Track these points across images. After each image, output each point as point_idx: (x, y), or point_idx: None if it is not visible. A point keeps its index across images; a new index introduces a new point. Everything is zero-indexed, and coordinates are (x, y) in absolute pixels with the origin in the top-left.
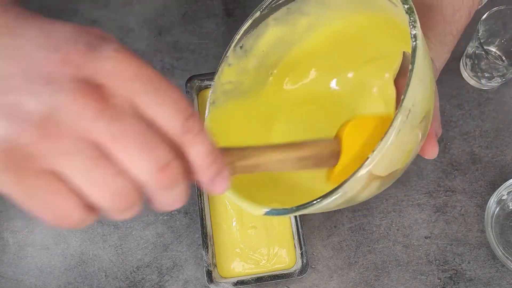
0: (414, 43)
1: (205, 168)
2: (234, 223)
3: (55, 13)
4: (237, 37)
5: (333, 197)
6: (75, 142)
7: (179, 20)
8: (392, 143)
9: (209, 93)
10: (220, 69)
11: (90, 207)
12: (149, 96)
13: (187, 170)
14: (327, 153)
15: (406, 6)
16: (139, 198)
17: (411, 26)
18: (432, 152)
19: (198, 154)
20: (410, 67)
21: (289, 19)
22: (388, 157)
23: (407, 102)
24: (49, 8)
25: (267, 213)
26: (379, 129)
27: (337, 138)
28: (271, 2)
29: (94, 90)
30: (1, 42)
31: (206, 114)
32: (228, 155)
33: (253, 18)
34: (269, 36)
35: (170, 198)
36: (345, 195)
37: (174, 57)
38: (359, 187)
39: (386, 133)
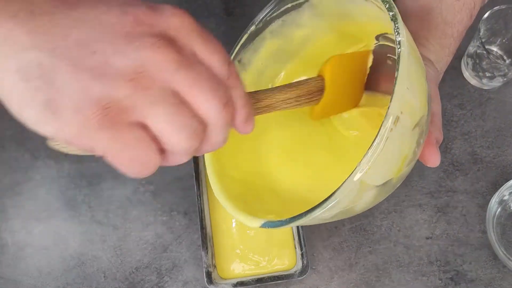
0: (399, 49)
1: (242, 108)
2: (233, 224)
3: None
4: (234, 51)
5: (326, 207)
6: (160, 92)
7: None
8: (382, 151)
9: None
10: None
11: (163, 151)
12: (205, 46)
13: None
14: (315, 89)
15: (391, 14)
16: (203, 138)
17: (396, 33)
18: (433, 160)
19: (238, 95)
20: (396, 74)
21: (285, 31)
22: (379, 165)
23: (394, 110)
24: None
25: (262, 226)
26: (358, 64)
27: (321, 76)
28: (265, 15)
29: (170, 43)
30: (71, 13)
31: None
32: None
33: (249, 32)
34: (266, 49)
35: (223, 137)
36: (338, 205)
37: None
38: (352, 196)
39: (373, 141)
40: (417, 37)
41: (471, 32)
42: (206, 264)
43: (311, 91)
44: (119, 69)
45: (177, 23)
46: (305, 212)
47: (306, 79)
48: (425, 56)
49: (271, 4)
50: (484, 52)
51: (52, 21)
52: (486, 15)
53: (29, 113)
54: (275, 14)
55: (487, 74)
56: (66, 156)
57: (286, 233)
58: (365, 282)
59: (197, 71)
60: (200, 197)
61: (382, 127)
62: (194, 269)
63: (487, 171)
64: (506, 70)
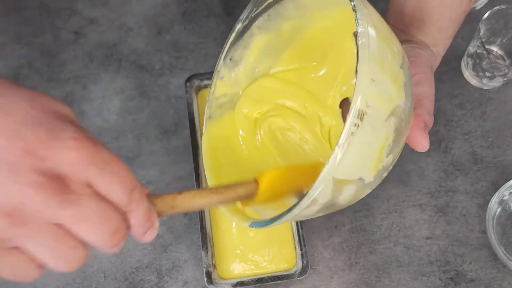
0: (359, 41)
1: (141, 225)
2: (234, 224)
3: (53, 12)
4: (225, 50)
5: (303, 206)
6: (40, 227)
7: (179, 19)
8: (350, 147)
9: (205, 108)
10: (213, 83)
11: (43, 266)
12: (102, 178)
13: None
14: (244, 195)
15: (352, 3)
16: (87, 256)
17: (357, 24)
18: (421, 144)
19: (137, 217)
20: (356, 66)
21: (272, 25)
22: (349, 161)
23: (357, 103)
24: (47, 7)
25: (250, 225)
26: (301, 175)
27: (256, 182)
28: (250, 12)
29: (57, 182)
30: None
31: (204, 130)
32: (161, 204)
33: (236, 30)
34: (256, 45)
35: (117, 248)
36: (317, 202)
37: (173, 56)
38: (328, 193)
39: (340, 136)
40: (413, 20)
41: (471, 32)
42: (206, 264)
43: (238, 197)
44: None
45: (73, 157)
46: (285, 212)
47: (237, 185)
48: (420, 39)
49: (253, 2)
50: (484, 52)
51: None
52: (486, 15)
53: None
54: (259, 10)
55: (487, 74)
56: None
57: (286, 233)
58: (365, 282)
59: (84, 206)
60: None
61: (346, 123)
62: (194, 269)
63: (487, 171)
64: (506, 70)
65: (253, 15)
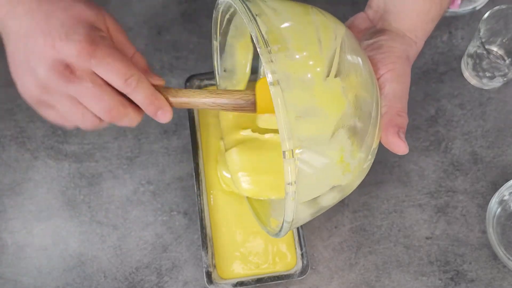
0: (272, 89)
1: (146, 106)
2: (234, 224)
3: None
4: (215, 66)
5: (287, 230)
6: (59, 96)
7: (179, 19)
8: (300, 181)
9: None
10: None
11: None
12: (100, 68)
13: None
14: (243, 103)
15: (258, 49)
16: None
17: (265, 71)
18: (397, 149)
19: (138, 100)
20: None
21: (243, 31)
22: (306, 187)
23: (286, 147)
24: None
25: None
26: None
27: (253, 90)
28: (217, 29)
29: (65, 68)
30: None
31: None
32: (166, 93)
33: (214, 48)
34: (240, 51)
35: (125, 123)
36: (298, 220)
37: (173, 56)
38: (305, 210)
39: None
40: (392, 5)
41: (471, 32)
42: (206, 264)
43: (237, 103)
44: (37, 77)
45: (74, 53)
46: (279, 230)
47: (232, 91)
48: (395, 27)
49: (214, 22)
50: (484, 52)
51: (21, 29)
52: (486, 15)
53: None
54: (224, 25)
55: (487, 74)
56: (66, 156)
57: (287, 233)
58: (365, 282)
59: (82, 85)
60: (200, 197)
61: (284, 164)
62: (194, 269)
63: (487, 171)
64: (506, 70)
65: (221, 31)
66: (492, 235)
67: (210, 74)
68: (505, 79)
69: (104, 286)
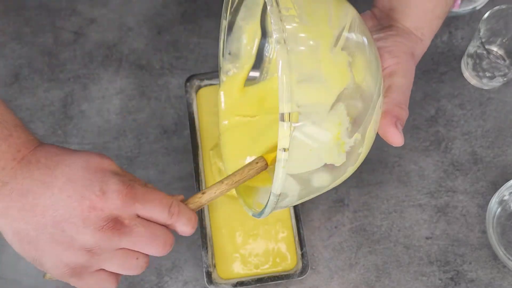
0: (276, 45)
1: (188, 228)
2: (233, 224)
3: (53, 12)
4: (221, 47)
5: (272, 204)
6: (110, 253)
7: (179, 19)
8: (294, 146)
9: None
10: (220, 80)
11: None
12: (144, 208)
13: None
14: (255, 173)
15: (269, 7)
16: (147, 261)
17: (273, 29)
18: (392, 140)
19: (182, 225)
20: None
21: (253, 13)
22: (299, 156)
23: (283, 110)
24: (47, 7)
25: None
26: None
27: (262, 157)
28: (228, 8)
29: (114, 223)
30: (47, 193)
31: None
32: (192, 205)
33: (223, 27)
34: (248, 35)
35: (169, 251)
36: (287, 195)
37: (173, 56)
38: (295, 186)
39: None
40: (391, 2)
41: (471, 32)
42: (206, 264)
43: (251, 175)
44: (81, 244)
45: (119, 203)
46: (265, 205)
47: (246, 168)
48: (402, 24)
49: (225, 1)
50: (484, 52)
51: (35, 200)
52: (486, 15)
53: (25, 259)
54: (235, 4)
55: (487, 74)
56: None
57: (286, 233)
58: (365, 282)
59: (135, 233)
60: None
61: (280, 127)
62: (194, 269)
63: (487, 171)
64: (506, 70)
65: (232, 10)
66: (492, 235)
67: (210, 74)
68: (505, 79)
69: None
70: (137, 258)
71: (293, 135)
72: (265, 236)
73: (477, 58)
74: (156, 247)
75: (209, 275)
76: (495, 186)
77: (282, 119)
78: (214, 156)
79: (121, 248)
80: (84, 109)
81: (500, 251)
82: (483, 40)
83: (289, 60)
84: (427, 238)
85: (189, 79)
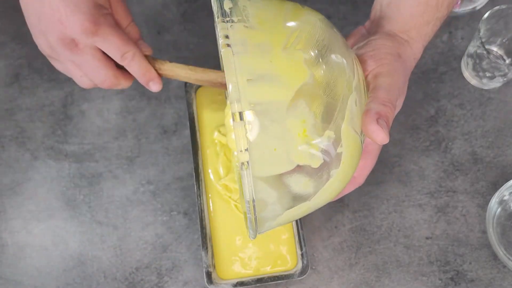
0: (221, 50)
1: (139, 77)
2: (233, 224)
3: None
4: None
5: (250, 211)
6: (65, 59)
7: (179, 19)
8: (253, 148)
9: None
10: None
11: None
12: (102, 45)
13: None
14: (217, 82)
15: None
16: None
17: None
18: (375, 137)
19: (133, 71)
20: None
21: None
22: (262, 158)
23: (234, 109)
24: None
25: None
26: None
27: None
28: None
29: (70, 41)
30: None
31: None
32: (155, 63)
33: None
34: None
35: (117, 88)
36: (266, 202)
37: (173, 56)
38: (269, 190)
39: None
40: (388, 9)
41: (471, 32)
42: (206, 264)
43: (213, 82)
44: (47, 39)
45: (78, 31)
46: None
47: (211, 72)
48: (387, 30)
49: None
50: (484, 52)
51: None
52: (486, 15)
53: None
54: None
55: (487, 74)
56: (66, 156)
57: (286, 234)
58: (365, 282)
59: (83, 58)
60: (200, 197)
61: (234, 128)
62: (194, 269)
63: (487, 171)
64: (506, 70)
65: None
66: (492, 235)
67: None
68: (505, 79)
69: (104, 286)
70: (81, 76)
71: (252, 134)
72: (265, 236)
73: (477, 58)
74: (95, 78)
75: (209, 275)
76: (495, 186)
77: (235, 119)
78: (220, 135)
79: (73, 61)
80: (84, 109)
81: (500, 251)
82: (483, 40)
83: (234, 62)
84: (427, 238)
85: None
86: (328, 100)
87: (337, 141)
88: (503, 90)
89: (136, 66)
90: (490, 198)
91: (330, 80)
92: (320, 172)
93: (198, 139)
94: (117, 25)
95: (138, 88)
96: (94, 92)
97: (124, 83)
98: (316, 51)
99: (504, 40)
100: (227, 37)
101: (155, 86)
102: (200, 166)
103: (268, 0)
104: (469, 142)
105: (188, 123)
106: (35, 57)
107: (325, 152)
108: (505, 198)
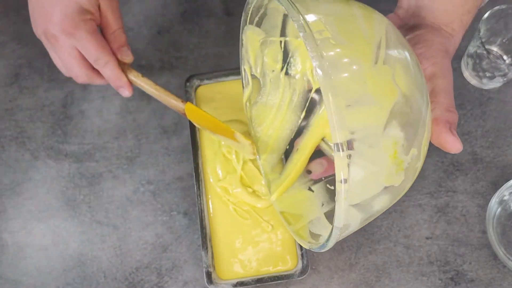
0: (317, 73)
1: (110, 82)
2: (233, 224)
3: None
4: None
5: (335, 237)
6: (51, 48)
7: (179, 19)
8: (352, 177)
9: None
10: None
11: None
12: (79, 47)
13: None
14: (176, 108)
15: (301, 34)
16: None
17: (310, 55)
18: (450, 145)
19: (105, 76)
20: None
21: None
22: (357, 186)
23: (337, 139)
24: None
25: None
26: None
27: (184, 102)
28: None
29: (51, 35)
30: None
31: None
32: (129, 73)
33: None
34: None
35: (96, 83)
36: (349, 226)
37: (173, 56)
38: (356, 215)
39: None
40: (417, 0)
41: (471, 32)
42: (206, 264)
43: (172, 107)
44: (36, 28)
45: (59, 30)
46: (327, 239)
47: (171, 97)
48: (430, 22)
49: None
50: (484, 52)
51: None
52: (486, 15)
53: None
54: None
55: (487, 74)
56: (66, 156)
57: (287, 234)
58: (365, 282)
59: (60, 52)
60: (200, 197)
61: (335, 159)
62: (194, 269)
63: (487, 171)
64: (506, 70)
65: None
66: (492, 235)
67: (210, 74)
68: (505, 79)
69: (104, 286)
70: (60, 66)
71: (350, 164)
72: (265, 236)
73: (477, 58)
74: (71, 73)
75: (209, 275)
76: (495, 186)
77: (338, 149)
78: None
79: (55, 53)
80: (84, 109)
81: (500, 251)
82: (483, 40)
83: (334, 87)
84: (427, 238)
85: (189, 79)
86: (414, 117)
87: (418, 158)
88: (503, 90)
89: (108, 72)
90: (490, 198)
91: (411, 93)
92: (399, 188)
93: (198, 139)
94: (95, 32)
95: (138, 88)
96: (94, 92)
97: (99, 82)
98: (398, 64)
99: (504, 40)
100: (321, 57)
101: (124, 93)
102: (200, 166)
103: (334, 3)
104: (469, 142)
105: (188, 123)
106: (35, 57)
107: (407, 170)
108: (505, 198)
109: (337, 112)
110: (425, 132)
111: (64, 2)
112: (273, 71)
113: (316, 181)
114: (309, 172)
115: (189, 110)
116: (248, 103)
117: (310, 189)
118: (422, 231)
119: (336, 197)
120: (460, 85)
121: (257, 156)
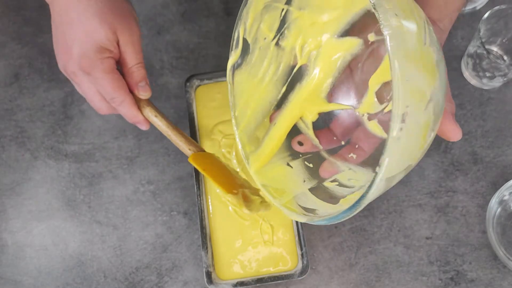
0: (389, 45)
1: (127, 119)
2: (233, 224)
3: None
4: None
5: (361, 206)
6: (76, 84)
7: (179, 19)
8: (397, 150)
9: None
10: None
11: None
12: (95, 85)
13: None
14: (184, 150)
15: (372, 2)
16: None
17: (381, 25)
18: (452, 133)
19: (122, 113)
20: (390, 73)
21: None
22: (396, 161)
23: (397, 110)
24: (47, 7)
25: (318, 223)
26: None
27: (198, 149)
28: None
29: (71, 72)
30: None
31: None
32: (146, 109)
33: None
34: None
35: (119, 114)
36: (375, 194)
37: (173, 56)
38: (381, 189)
39: (385, 148)
40: None
41: (471, 32)
42: (206, 264)
43: (181, 149)
44: (59, 62)
45: (76, 68)
46: (348, 208)
47: (180, 139)
48: (428, 16)
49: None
50: (484, 52)
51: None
52: (486, 15)
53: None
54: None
55: (487, 74)
56: (66, 156)
57: (287, 233)
58: (365, 282)
59: (82, 88)
60: (200, 197)
61: (390, 132)
62: (194, 269)
63: (487, 171)
64: (506, 70)
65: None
66: (492, 235)
67: (210, 74)
68: (505, 79)
69: (104, 286)
70: (90, 100)
71: (400, 137)
72: (265, 236)
73: (477, 58)
74: (92, 104)
75: (209, 275)
76: (495, 186)
77: (396, 121)
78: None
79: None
80: (84, 109)
81: (500, 251)
82: (483, 40)
83: (402, 57)
84: (427, 238)
85: (189, 79)
86: (441, 101)
87: (432, 141)
88: (503, 90)
89: (124, 111)
90: (490, 198)
91: (442, 79)
92: (409, 169)
93: (198, 139)
94: (112, 71)
95: None
96: None
97: (108, 111)
98: (437, 49)
99: (504, 40)
100: (390, 27)
101: (141, 127)
102: None
103: None
104: (469, 142)
105: (188, 123)
106: (35, 57)
107: (423, 151)
108: (505, 198)
109: (401, 82)
110: (441, 118)
111: (82, 37)
112: (265, 38)
113: (294, 158)
114: (300, 143)
115: (193, 161)
116: (232, 69)
117: (288, 165)
118: (422, 231)
119: (379, 170)
120: (460, 85)
121: (235, 128)
